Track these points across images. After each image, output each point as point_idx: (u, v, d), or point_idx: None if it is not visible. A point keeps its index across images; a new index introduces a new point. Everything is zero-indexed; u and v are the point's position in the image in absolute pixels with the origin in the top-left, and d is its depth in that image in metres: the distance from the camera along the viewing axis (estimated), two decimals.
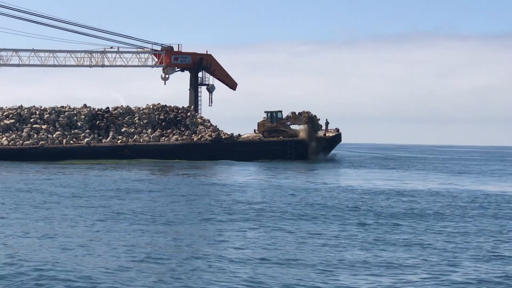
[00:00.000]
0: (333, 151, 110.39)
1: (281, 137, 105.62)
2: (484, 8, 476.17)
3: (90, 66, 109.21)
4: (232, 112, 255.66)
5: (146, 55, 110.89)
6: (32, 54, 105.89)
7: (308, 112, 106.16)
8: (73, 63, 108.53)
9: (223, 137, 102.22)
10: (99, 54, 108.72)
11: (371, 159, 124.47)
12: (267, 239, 28.14)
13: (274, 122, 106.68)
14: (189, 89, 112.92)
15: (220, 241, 27.72)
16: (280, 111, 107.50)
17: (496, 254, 25.99)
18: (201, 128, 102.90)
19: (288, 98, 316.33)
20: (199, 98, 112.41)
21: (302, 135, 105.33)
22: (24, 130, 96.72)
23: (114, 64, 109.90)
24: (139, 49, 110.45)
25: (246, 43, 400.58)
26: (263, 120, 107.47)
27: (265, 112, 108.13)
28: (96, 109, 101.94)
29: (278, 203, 41.34)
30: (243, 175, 68.40)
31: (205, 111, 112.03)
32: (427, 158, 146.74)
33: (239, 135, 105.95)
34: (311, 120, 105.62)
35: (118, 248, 25.48)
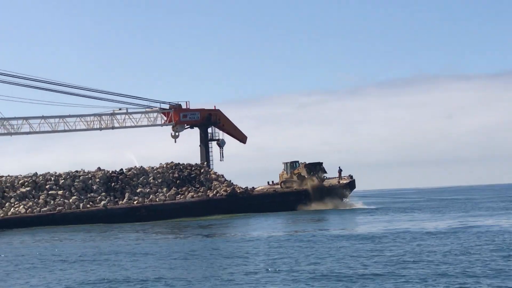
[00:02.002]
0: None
1: (294, 187, 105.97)
2: (488, 47, 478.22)
3: (100, 129, 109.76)
4: (243, 166, 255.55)
5: (155, 114, 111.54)
6: (42, 121, 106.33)
7: (312, 163, 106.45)
8: (83, 127, 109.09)
9: (238, 191, 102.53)
10: (108, 116, 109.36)
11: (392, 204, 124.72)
12: None
13: (289, 173, 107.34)
14: (200, 145, 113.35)
15: None
16: (297, 161, 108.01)
17: None
18: (215, 183, 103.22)
19: (298, 150, 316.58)
20: (210, 154, 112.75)
21: (306, 184, 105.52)
22: (41, 197, 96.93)
23: (124, 125, 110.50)
24: (147, 109, 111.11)
25: (252, 96, 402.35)
26: (283, 172, 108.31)
27: (283, 163, 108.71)
28: (110, 172, 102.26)
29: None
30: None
31: (217, 166, 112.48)
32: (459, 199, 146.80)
33: (253, 188, 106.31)
34: (311, 169, 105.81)
35: None
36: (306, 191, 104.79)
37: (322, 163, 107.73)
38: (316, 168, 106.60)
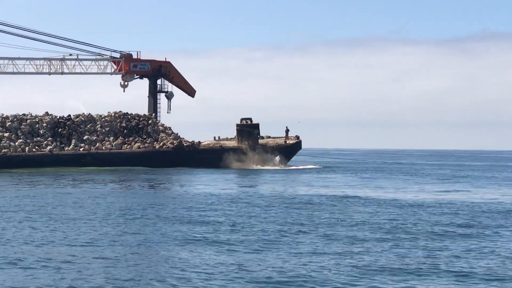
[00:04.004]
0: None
1: (242, 145, 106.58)
2: (435, 13, 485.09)
3: (50, 73, 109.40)
4: (190, 119, 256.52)
5: (105, 62, 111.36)
6: None
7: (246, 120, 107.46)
8: (32, 70, 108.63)
9: (184, 144, 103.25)
10: (58, 61, 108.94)
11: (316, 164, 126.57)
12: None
13: None
14: (148, 96, 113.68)
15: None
16: (250, 118, 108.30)
17: None
18: (162, 135, 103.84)
19: (245, 105, 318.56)
20: (158, 105, 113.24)
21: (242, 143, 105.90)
22: None
23: (74, 71, 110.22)
24: (98, 57, 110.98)
25: (200, 48, 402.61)
26: None
27: (240, 119, 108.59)
28: (58, 117, 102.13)
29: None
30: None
31: (164, 118, 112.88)
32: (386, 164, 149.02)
33: (199, 142, 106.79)
34: (242, 132, 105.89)
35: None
36: (242, 150, 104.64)
37: (258, 124, 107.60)
38: (248, 130, 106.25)
